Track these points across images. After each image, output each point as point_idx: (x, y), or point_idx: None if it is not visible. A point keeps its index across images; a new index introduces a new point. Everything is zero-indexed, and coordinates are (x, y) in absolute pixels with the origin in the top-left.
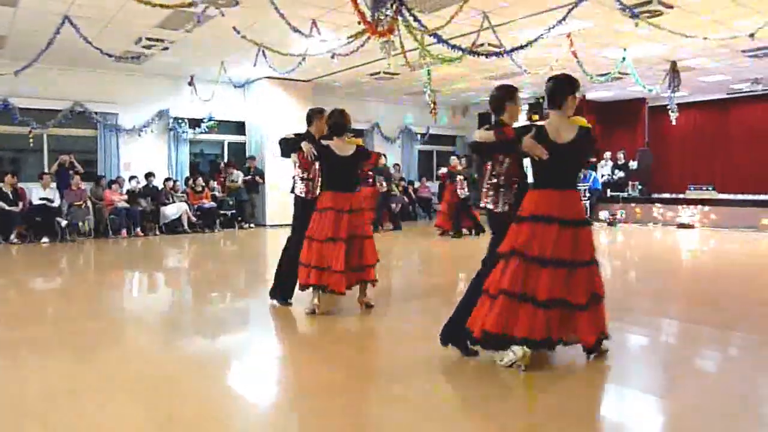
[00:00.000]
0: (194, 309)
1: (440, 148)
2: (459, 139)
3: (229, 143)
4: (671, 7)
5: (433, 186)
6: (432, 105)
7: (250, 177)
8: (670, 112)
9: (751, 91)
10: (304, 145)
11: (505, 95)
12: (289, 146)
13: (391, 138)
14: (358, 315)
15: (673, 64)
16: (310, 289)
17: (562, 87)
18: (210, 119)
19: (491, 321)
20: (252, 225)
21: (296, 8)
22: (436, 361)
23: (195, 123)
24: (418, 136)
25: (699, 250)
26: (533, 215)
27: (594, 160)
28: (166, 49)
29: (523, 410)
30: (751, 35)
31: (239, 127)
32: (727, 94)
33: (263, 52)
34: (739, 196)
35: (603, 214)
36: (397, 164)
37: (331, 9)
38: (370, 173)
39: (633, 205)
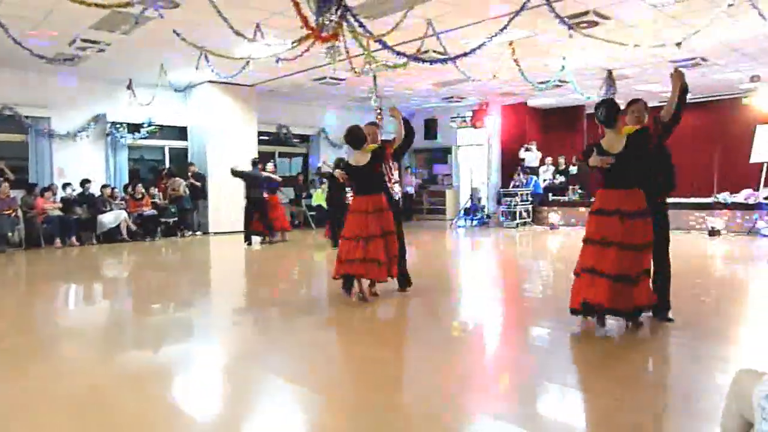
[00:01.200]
0: (133, 321)
1: None
2: None
3: (170, 149)
4: (607, 18)
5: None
6: (378, 111)
7: (190, 183)
8: None
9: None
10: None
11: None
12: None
13: (338, 144)
14: (316, 324)
15: (609, 72)
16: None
17: (611, 110)
18: (150, 124)
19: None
20: (196, 233)
21: (240, 11)
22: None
23: (134, 128)
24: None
25: None
26: (599, 209)
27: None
28: (102, 51)
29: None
30: (678, 44)
31: (181, 133)
32: (659, 102)
33: (205, 55)
34: (670, 199)
35: (553, 217)
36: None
37: (275, 13)
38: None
39: (573, 208)
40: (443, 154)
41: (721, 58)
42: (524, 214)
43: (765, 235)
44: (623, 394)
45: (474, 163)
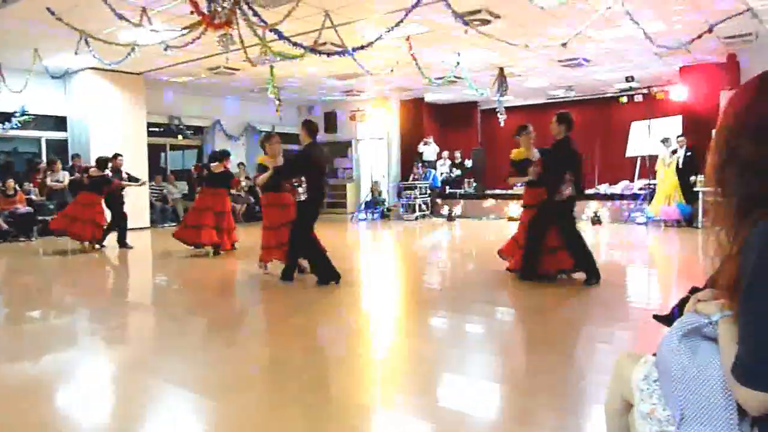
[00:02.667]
0: (5, 329)
1: (290, 146)
2: None
3: (47, 140)
4: (498, 16)
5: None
6: (277, 102)
7: (77, 177)
8: (498, 114)
9: (566, 97)
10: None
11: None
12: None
13: (235, 135)
14: (207, 325)
15: (501, 70)
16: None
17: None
18: (23, 113)
19: None
20: None
21: None
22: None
23: (5, 117)
24: (263, 134)
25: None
26: None
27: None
28: None
29: None
30: (563, 44)
31: (59, 123)
32: (546, 99)
33: (86, 39)
34: None
35: (449, 210)
36: (242, 163)
37: None
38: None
39: (469, 200)
40: (343, 148)
41: (600, 59)
42: (423, 207)
43: (640, 224)
44: (515, 377)
45: (374, 157)
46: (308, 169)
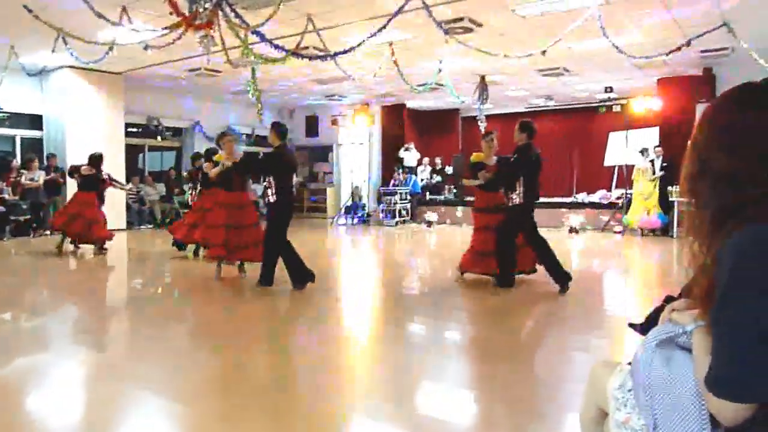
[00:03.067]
0: None
1: (268, 149)
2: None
3: (22, 139)
4: (480, 25)
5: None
6: (258, 105)
7: (52, 176)
8: (479, 122)
9: (546, 107)
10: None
11: None
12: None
13: (214, 138)
14: (183, 329)
15: (482, 78)
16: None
17: None
18: None
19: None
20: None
21: None
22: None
23: None
24: (244, 136)
25: None
26: None
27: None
28: None
29: None
30: (543, 52)
31: (35, 121)
32: (526, 107)
33: (63, 37)
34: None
35: (430, 216)
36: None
37: None
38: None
39: (449, 206)
40: (324, 152)
41: (579, 69)
42: (403, 213)
43: (617, 232)
44: (490, 385)
45: (355, 162)
46: (278, 171)
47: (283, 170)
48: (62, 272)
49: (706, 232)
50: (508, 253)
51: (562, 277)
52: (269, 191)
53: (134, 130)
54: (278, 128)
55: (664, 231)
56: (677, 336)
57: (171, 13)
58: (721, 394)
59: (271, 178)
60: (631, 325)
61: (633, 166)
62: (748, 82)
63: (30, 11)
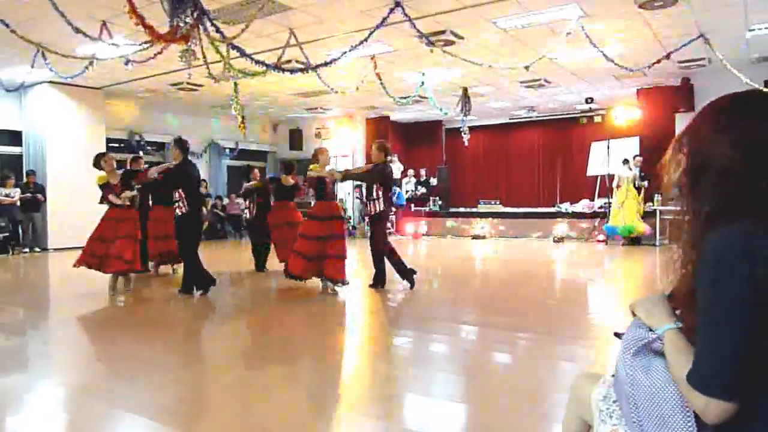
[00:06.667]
0: None
1: (251, 163)
2: (270, 155)
3: (1, 155)
4: (462, 37)
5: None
6: (240, 119)
7: (29, 195)
8: (462, 134)
9: (528, 118)
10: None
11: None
12: None
13: (197, 152)
14: (167, 348)
15: (465, 90)
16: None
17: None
18: None
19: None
20: (35, 249)
21: (84, 7)
22: None
23: None
24: (227, 150)
25: (491, 257)
26: None
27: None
28: None
29: None
30: (526, 67)
31: (14, 137)
32: (509, 119)
33: (42, 52)
34: (522, 209)
35: (409, 228)
36: (204, 180)
37: (124, 12)
38: None
39: (433, 218)
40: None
41: (561, 80)
42: (388, 225)
43: (600, 241)
44: (478, 399)
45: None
46: (186, 183)
47: (189, 182)
48: (38, 287)
49: (696, 233)
50: (382, 260)
51: (378, 277)
52: (179, 204)
53: (116, 145)
54: (180, 144)
55: (637, 240)
56: (651, 342)
57: (136, 24)
58: (704, 391)
59: (182, 191)
60: (616, 335)
61: (614, 175)
62: (754, 89)
63: (7, 26)
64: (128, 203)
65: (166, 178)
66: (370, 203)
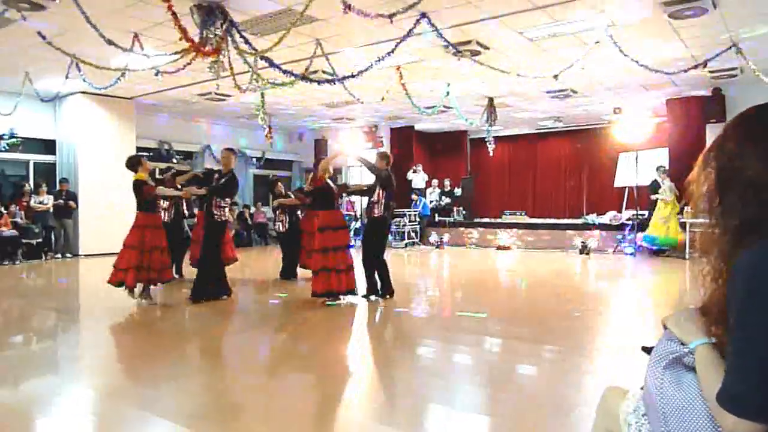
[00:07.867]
0: None
1: (277, 172)
2: (296, 165)
3: (35, 163)
4: (488, 48)
5: (269, 211)
6: (267, 129)
7: (61, 202)
8: (487, 144)
9: (554, 128)
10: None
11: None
12: None
13: None
14: (192, 353)
15: (491, 100)
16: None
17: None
18: (12, 136)
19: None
20: (66, 255)
21: (116, 20)
22: None
23: None
24: (254, 160)
25: (516, 268)
26: None
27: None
28: None
29: None
30: (555, 76)
31: (48, 146)
32: (535, 129)
33: (77, 64)
34: (547, 221)
35: (432, 237)
36: None
37: (157, 23)
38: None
39: (458, 228)
40: (333, 174)
41: (587, 91)
42: (412, 234)
43: (628, 254)
44: (504, 412)
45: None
46: (232, 193)
47: (235, 192)
48: (72, 295)
49: (724, 249)
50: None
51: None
52: (225, 210)
53: (145, 154)
54: (235, 153)
55: (663, 252)
56: (683, 356)
57: (180, 39)
58: (735, 411)
59: (227, 200)
60: (644, 349)
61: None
62: None
63: (44, 38)
64: (191, 195)
65: (227, 186)
66: (371, 206)
